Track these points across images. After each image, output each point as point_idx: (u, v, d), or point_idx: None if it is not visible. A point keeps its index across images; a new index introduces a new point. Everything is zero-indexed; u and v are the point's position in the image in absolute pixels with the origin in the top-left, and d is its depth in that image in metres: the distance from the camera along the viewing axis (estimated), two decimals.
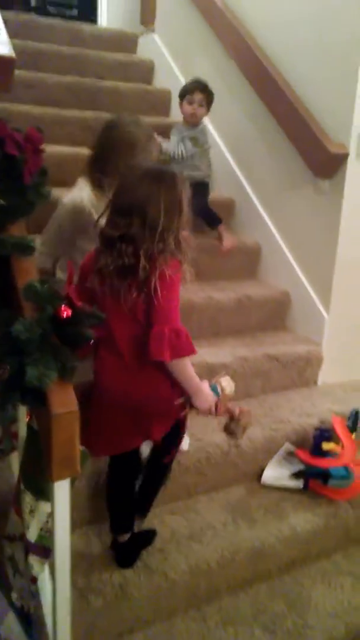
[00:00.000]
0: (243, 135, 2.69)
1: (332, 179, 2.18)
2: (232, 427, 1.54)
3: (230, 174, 2.76)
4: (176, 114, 3.18)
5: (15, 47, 2.97)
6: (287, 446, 1.97)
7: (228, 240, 2.47)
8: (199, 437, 1.82)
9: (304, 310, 2.38)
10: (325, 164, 2.13)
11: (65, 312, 1.05)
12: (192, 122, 2.51)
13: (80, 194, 1.71)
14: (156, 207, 1.27)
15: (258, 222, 2.58)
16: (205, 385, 1.41)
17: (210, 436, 1.84)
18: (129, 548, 1.54)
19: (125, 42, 3.56)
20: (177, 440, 1.55)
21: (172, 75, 3.22)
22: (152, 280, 1.27)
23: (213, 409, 1.42)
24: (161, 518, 1.69)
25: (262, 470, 1.92)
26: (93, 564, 1.51)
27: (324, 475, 1.86)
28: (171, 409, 1.41)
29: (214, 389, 1.42)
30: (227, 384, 1.44)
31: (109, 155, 1.68)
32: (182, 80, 3.12)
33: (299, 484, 1.89)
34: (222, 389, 1.43)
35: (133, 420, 1.41)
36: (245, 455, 1.88)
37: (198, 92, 2.46)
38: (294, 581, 1.71)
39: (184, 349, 1.30)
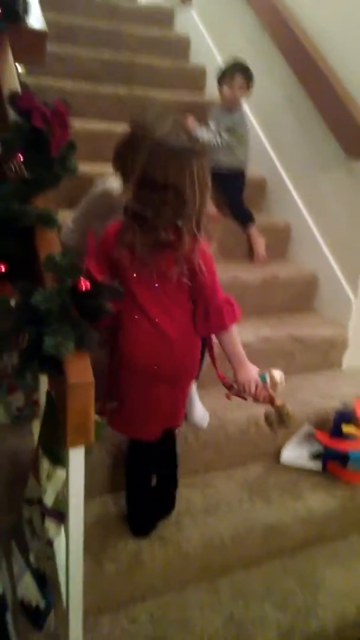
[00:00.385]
0: (277, 113, 2.64)
1: None
2: (271, 418, 1.50)
3: (262, 152, 2.72)
4: (211, 91, 3.15)
5: (49, 21, 2.98)
6: (307, 427, 1.97)
7: (261, 247, 2.41)
8: (219, 415, 1.83)
9: (331, 292, 2.35)
10: (358, 143, 2.08)
11: (84, 285, 1.07)
12: (232, 106, 2.45)
13: (113, 184, 1.72)
14: (191, 183, 1.26)
15: (289, 201, 2.55)
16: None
17: (231, 414, 1.85)
18: (145, 518, 1.58)
19: (162, 17, 3.51)
20: None
21: (208, 52, 3.17)
22: (193, 257, 1.31)
23: (253, 387, 1.43)
24: (178, 490, 1.71)
25: (280, 450, 1.93)
26: (109, 531, 1.54)
27: (343, 458, 1.86)
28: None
29: (262, 377, 1.44)
30: (278, 374, 1.44)
31: None
32: (218, 57, 3.08)
33: (317, 465, 1.89)
34: (271, 377, 1.43)
35: (163, 396, 1.43)
36: (265, 434, 1.87)
37: (238, 74, 2.38)
38: (308, 560, 1.72)
39: (237, 314, 1.40)
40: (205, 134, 2.42)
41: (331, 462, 1.88)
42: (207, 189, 1.30)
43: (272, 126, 2.70)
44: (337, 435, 1.89)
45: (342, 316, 2.29)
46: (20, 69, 2.28)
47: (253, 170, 2.76)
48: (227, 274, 2.23)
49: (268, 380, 1.44)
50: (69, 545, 1.15)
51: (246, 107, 2.83)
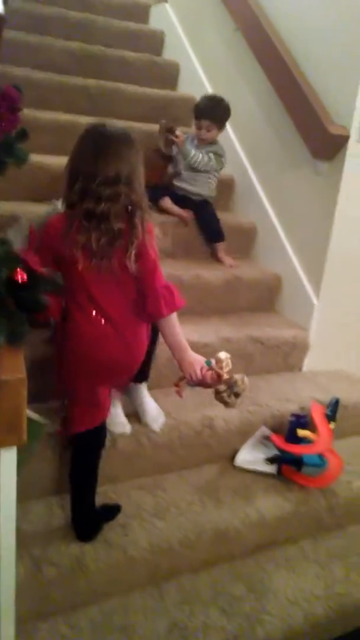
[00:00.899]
0: (247, 112, 2.61)
1: (331, 162, 2.12)
2: (222, 392, 1.45)
3: (232, 152, 2.68)
4: (184, 87, 3.12)
5: (19, 10, 2.93)
6: (263, 430, 1.94)
7: (228, 261, 2.40)
8: (173, 416, 1.80)
9: (294, 294, 2.33)
10: (324, 145, 2.07)
11: (21, 276, 1.03)
12: (203, 143, 2.41)
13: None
14: (136, 171, 1.33)
15: (256, 202, 2.53)
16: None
17: (185, 415, 1.82)
18: (90, 522, 1.53)
19: (136, 11, 3.47)
20: None
21: (182, 48, 3.14)
22: (142, 242, 1.34)
23: (198, 371, 1.43)
24: (127, 493, 1.67)
25: (236, 453, 1.90)
26: (52, 534, 1.49)
27: (298, 462, 1.84)
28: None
29: (208, 363, 1.44)
30: (223, 354, 1.44)
31: None
32: (191, 54, 3.05)
33: (272, 469, 1.86)
34: (217, 359, 1.43)
35: (110, 385, 1.48)
36: (219, 436, 1.85)
37: (205, 118, 2.33)
38: (257, 565, 1.68)
39: (176, 303, 1.40)
40: (193, 148, 2.38)
41: (286, 466, 1.86)
42: (142, 174, 1.35)
43: (243, 124, 2.67)
44: (293, 439, 1.87)
45: (304, 319, 2.27)
46: None
47: (223, 170, 2.75)
48: (190, 273, 2.20)
49: (213, 362, 1.43)
50: (0, 549, 1.10)
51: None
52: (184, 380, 1.47)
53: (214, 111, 2.34)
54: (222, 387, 1.45)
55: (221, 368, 1.43)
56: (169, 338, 1.44)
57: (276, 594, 1.60)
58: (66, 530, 1.51)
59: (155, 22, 3.44)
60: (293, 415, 1.93)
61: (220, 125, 2.37)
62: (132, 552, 1.50)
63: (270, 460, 1.87)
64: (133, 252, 1.32)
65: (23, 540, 1.43)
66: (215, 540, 1.63)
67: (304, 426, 1.89)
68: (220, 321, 2.21)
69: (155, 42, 3.32)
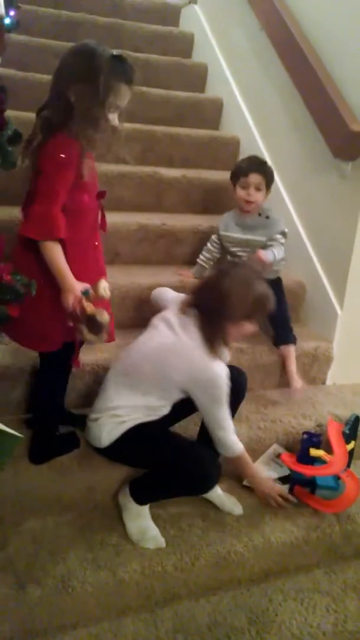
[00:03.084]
0: (271, 113, 2.52)
1: (355, 161, 1.99)
2: (83, 329, 1.32)
3: (257, 153, 2.57)
4: (212, 89, 3.04)
5: (48, 17, 2.94)
6: (276, 447, 1.82)
7: (297, 381, 2.01)
8: (182, 428, 1.71)
9: (317, 303, 2.20)
10: (346, 143, 1.94)
11: None
12: (248, 210, 2.02)
13: None
14: (66, 76, 1.32)
15: (280, 206, 2.40)
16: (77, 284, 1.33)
17: (189, 431, 1.72)
18: (45, 444, 1.57)
19: (166, 13, 3.43)
20: None
21: (210, 50, 3.06)
22: (40, 155, 1.33)
23: (70, 301, 1.30)
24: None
25: None
26: (38, 552, 1.43)
27: (311, 484, 1.71)
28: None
29: (86, 292, 1.31)
30: (102, 284, 1.32)
31: None
32: (219, 55, 2.97)
33: (285, 489, 1.74)
34: (95, 289, 1.31)
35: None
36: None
37: (254, 173, 1.97)
38: (263, 595, 1.56)
39: (44, 231, 1.29)
40: (277, 253, 1.94)
41: (299, 487, 1.73)
42: (92, 88, 1.29)
43: (267, 125, 2.57)
44: (305, 459, 1.74)
45: (328, 329, 2.13)
46: None
47: None
48: None
49: (91, 292, 1.32)
50: None
51: (244, 107, 2.72)
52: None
53: (263, 166, 2.01)
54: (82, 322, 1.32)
55: (98, 300, 1.32)
56: (48, 264, 1.32)
57: (280, 628, 1.48)
58: (52, 549, 1.45)
59: (184, 24, 3.38)
60: (305, 433, 1.80)
61: (269, 185, 2.02)
62: (121, 574, 1.42)
63: (282, 480, 1.75)
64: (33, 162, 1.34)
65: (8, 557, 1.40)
66: (215, 565, 1.52)
67: (318, 445, 1.75)
68: None
69: (185, 44, 3.26)
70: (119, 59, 1.32)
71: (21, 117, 2.24)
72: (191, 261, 2.24)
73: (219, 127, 2.94)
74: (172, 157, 2.62)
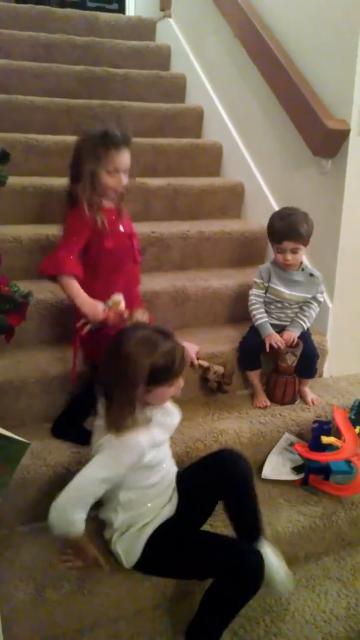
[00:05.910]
0: (251, 117, 2.58)
1: (334, 158, 2.04)
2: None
3: (240, 158, 2.65)
4: (192, 98, 3.10)
5: (26, 40, 3.00)
6: (288, 436, 1.87)
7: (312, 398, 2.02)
8: (180, 431, 1.74)
9: None
10: (324, 141, 1.99)
11: None
12: (288, 269, 1.97)
13: None
14: (75, 151, 1.62)
15: (266, 206, 2.46)
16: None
17: (192, 431, 1.77)
18: (67, 425, 1.70)
19: (142, 28, 3.49)
20: None
21: (187, 60, 3.13)
22: (65, 212, 1.64)
23: (100, 314, 1.55)
24: None
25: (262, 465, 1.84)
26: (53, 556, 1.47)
27: (326, 471, 1.75)
28: None
29: (106, 304, 1.57)
30: (117, 296, 1.57)
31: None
32: (196, 65, 3.03)
33: (300, 477, 1.79)
34: (113, 301, 1.56)
35: None
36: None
37: (286, 241, 1.88)
38: None
39: (52, 267, 1.55)
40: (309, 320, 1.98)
41: (313, 476, 1.78)
42: (91, 157, 1.59)
43: (247, 129, 2.63)
44: (317, 447, 1.78)
45: (321, 323, 2.17)
46: None
47: (232, 176, 2.72)
48: (202, 284, 2.16)
49: (110, 303, 1.56)
50: None
51: (223, 112, 2.78)
52: (87, 323, 1.58)
53: (296, 229, 1.88)
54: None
55: (118, 309, 1.56)
56: (66, 294, 1.58)
57: (293, 615, 1.51)
58: None
59: (160, 37, 3.46)
60: (316, 421, 1.85)
61: (307, 241, 1.92)
62: (137, 574, 1.45)
63: (296, 470, 1.80)
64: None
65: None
66: None
67: (328, 432, 1.80)
68: (231, 328, 2.15)
69: (162, 56, 3.33)
70: (105, 131, 1.59)
71: (6, 138, 2.36)
72: (181, 266, 2.30)
73: (201, 134, 3.00)
74: (156, 167, 2.67)
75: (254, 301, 1.99)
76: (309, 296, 1.97)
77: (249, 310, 2.00)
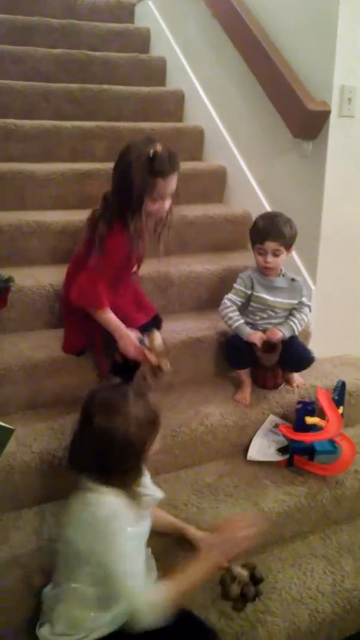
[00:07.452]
0: (231, 100, 2.56)
1: (315, 140, 2.04)
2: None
3: (222, 143, 2.64)
4: (172, 81, 3.07)
5: (2, 22, 2.95)
6: (272, 418, 1.89)
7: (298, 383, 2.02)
8: (166, 414, 1.75)
9: None
10: (304, 123, 1.99)
11: None
12: (268, 274, 1.90)
13: None
14: (114, 175, 1.57)
15: (248, 189, 2.46)
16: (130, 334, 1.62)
17: (177, 414, 1.77)
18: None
19: (121, 10, 3.44)
20: None
21: (167, 43, 3.10)
22: (100, 234, 1.58)
23: (132, 352, 1.60)
24: None
25: (236, 448, 1.85)
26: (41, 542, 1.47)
27: (310, 451, 1.78)
28: None
29: (142, 342, 1.61)
30: (157, 336, 1.60)
31: None
32: (176, 47, 3.00)
33: (286, 458, 1.81)
34: (150, 339, 1.59)
35: None
36: (216, 433, 1.80)
37: (269, 241, 1.82)
38: (262, 564, 1.61)
39: (89, 303, 1.58)
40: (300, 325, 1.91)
41: (298, 456, 1.80)
42: (128, 183, 1.53)
43: (228, 113, 2.62)
44: (302, 427, 1.80)
45: None
46: None
47: (214, 159, 2.70)
48: (184, 268, 2.15)
49: (147, 342, 1.60)
50: None
51: (205, 97, 2.75)
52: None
53: (280, 231, 1.82)
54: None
55: (153, 349, 1.59)
56: (104, 325, 1.61)
57: (281, 593, 1.54)
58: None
59: (140, 19, 3.41)
60: (300, 402, 1.86)
61: (289, 246, 1.88)
62: None
63: (281, 451, 1.82)
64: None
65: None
66: None
67: (312, 413, 1.81)
68: (215, 314, 2.15)
69: (141, 39, 3.28)
70: (154, 156, 1.51)
71: None
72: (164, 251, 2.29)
73: (182, 118, 2.98)
74: None
75: (228, 304, 1.89)
76: (295, 302, 1.92)
77: (221, 315, 1.90)
